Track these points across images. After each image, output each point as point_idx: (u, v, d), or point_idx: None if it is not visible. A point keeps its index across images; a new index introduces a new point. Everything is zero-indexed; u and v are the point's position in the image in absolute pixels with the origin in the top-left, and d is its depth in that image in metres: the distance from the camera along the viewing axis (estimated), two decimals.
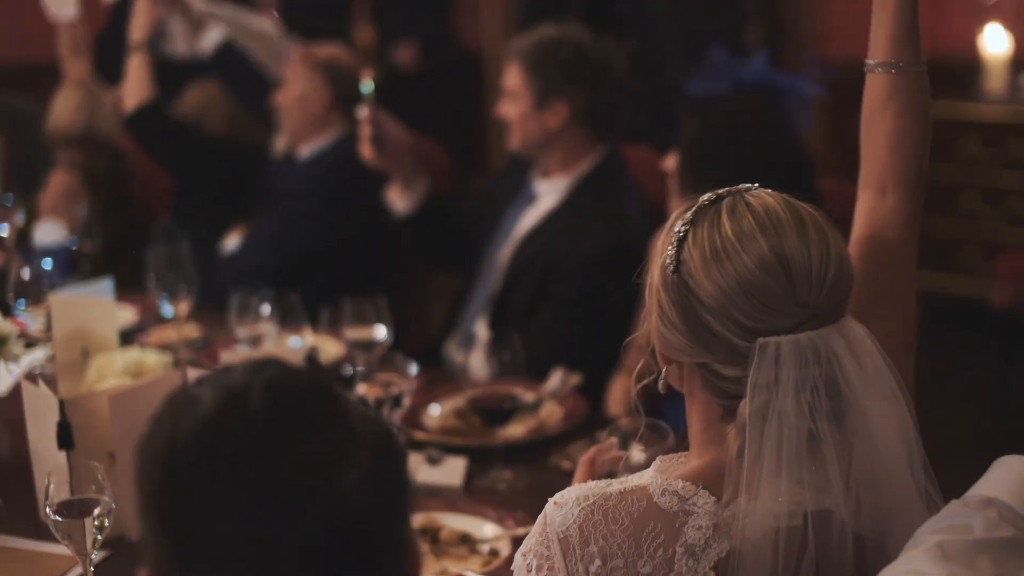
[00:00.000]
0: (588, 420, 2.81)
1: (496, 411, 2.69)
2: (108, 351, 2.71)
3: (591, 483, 1.66)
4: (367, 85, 3.37)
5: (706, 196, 1.65)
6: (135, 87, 4.10)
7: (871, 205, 1.89)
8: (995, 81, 5.61)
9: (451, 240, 3.71)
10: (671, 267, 1.61)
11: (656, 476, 1.63)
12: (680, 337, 1.61)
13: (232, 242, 4.19)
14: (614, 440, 2.11)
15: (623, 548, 1.58)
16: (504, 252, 3.53)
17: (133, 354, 2.68)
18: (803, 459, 1.55)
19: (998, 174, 5.54)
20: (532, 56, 3.40)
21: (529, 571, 1.62)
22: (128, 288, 3.47)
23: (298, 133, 4.06)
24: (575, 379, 2.89)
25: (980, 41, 5.66)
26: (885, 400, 1.58)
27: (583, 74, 3.37)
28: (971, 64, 5.72)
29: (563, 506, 1.62)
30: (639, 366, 1.75)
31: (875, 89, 1.91)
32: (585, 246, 3.31)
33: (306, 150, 4.06)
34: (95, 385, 2.59)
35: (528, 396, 2.78)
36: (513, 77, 3.44)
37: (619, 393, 3.20)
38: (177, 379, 2.39)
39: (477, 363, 3.36)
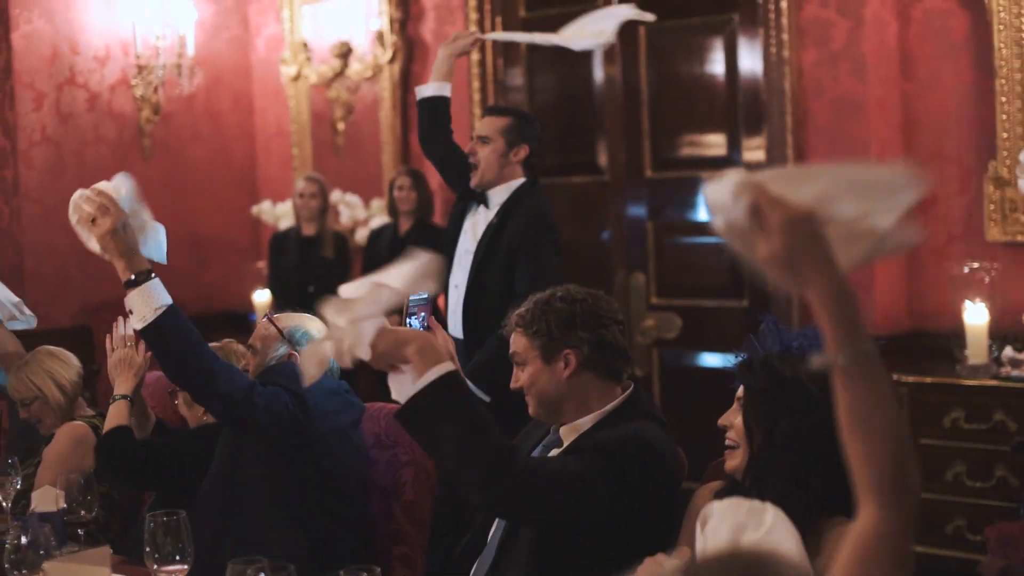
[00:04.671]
0: None
1: None
2: None
3: None
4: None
5: None
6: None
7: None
8: (976, 353, 5.73)
9: None
10: None
11: None
12: None
13: None
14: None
15: None
16: None
17: None
18: None
19: (983, 444, 5.62)
20: (528, 318, 3.49)
21: None
22: (126, 555, 3.48)
23: None
24: None
25: (961, 314, 5.81)
26: None
27: (579, 319, 3.45)
28: (952, 336, 5.87)
29: None
30: None
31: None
32: None
33: None
34: None
35: None
36: (518, 343, 3.52)
37: None
38: None
39: None
